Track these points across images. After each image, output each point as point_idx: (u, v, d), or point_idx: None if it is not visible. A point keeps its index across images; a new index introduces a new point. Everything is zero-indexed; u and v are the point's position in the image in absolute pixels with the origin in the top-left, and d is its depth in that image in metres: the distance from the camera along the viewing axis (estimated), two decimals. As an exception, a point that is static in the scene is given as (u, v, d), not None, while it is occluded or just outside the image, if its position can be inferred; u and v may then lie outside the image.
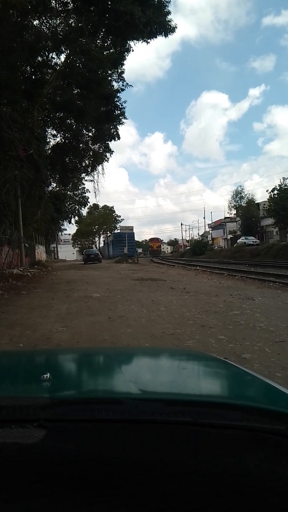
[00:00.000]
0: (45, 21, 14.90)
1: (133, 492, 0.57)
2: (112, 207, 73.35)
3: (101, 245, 65.97)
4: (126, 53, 17.63)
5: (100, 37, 16.05)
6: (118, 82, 19.26)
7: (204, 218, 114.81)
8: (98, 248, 63.00)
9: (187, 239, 79.85)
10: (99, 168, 25.33)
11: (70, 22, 15.15)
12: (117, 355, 1.43)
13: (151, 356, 1.52)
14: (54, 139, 22.22)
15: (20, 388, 0.90)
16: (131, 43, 15.97)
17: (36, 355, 1.63)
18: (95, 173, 25.72)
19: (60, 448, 0.60)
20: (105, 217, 69.38)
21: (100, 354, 1.53)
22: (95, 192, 33.01)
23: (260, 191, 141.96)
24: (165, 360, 1.45)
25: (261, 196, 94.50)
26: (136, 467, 0.59)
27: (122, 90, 19.44)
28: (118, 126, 21.91)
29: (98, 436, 0.62)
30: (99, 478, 0.57)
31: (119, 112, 20.13)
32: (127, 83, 19.38)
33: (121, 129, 25.46)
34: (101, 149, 24.07)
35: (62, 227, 50.03)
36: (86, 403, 0.69)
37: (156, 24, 13.72)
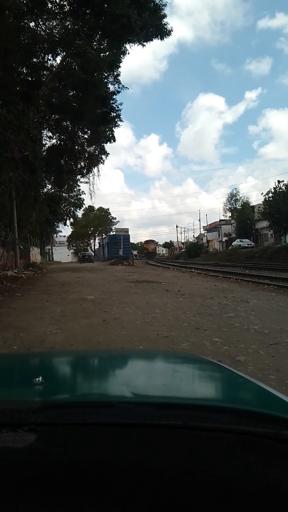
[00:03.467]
0: (41, 23, 14.88)
1: (125, 495, 0.57)
2: (108, 209, 73.20)
3: (97, 247, 65.88)
4: (122, 55, 17.71)
5: (96, 39, 16.06)
6: (114, 84, 19.32)
7: (199, 220, 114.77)
8: (93, 250, 62.96)
9: (182, 241, 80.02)
10: (95, 170, 25.45)
11: (67, 24, 15.15)
12: (111, 358, 1.42)
13: (145, 358, 1.51)
14: (49, 141, 22.25)
15: (11, 392, 0.90)
16: (127, 46, 16.06)
17: (29, 358, 1.62)
18: (90, 175, 25.85)
19: (51, 452, 0.60)
20: (100, 219, 69.34)
21: (93, 357, 1.52)
22: (90, 194, 33.20)
23: (255, 193, 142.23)
24: (159, 363, 1.45)
25: (256, 198, 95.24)
26: (128, 470, 0.59)
27: (118, 92, 19.50)
28: (114, 128, 21.99)
29: (89, 439, 0.62)
30: (90, 481, 0.57)
31: (115, 114, 20.17)
32: (123, 85, 19.44)
33: (117, 131, 25.52)
34: (96, 151, 24.12)
35: (57, 229, 49.93)
36: (78, 406, 0.68)
37: (152, 27, 13.80)
